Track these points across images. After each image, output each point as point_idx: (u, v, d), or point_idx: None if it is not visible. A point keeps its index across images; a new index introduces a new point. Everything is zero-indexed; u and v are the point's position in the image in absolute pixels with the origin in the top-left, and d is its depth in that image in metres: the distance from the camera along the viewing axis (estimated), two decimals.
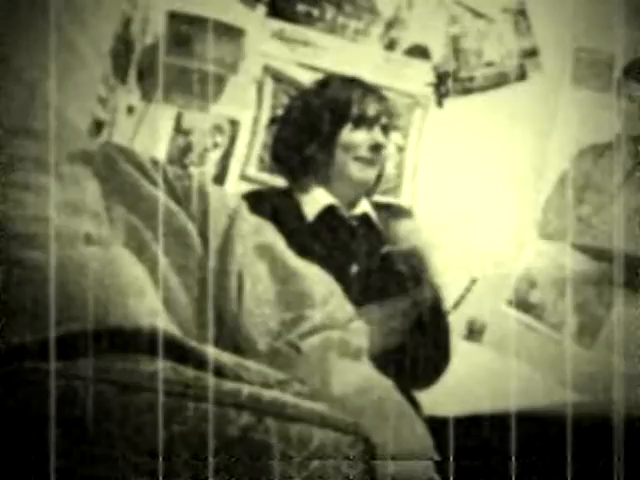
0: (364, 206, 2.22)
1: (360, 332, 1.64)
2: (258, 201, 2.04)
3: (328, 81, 2.25)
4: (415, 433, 1.42)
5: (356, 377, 1.49)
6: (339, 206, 2.17)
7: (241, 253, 1.62)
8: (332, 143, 2.15)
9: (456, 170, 2.57)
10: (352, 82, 2.21)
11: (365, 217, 2.20)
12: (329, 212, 2.16)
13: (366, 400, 1.43)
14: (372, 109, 2.16)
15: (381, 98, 2.21)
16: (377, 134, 2.16)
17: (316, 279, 1.66)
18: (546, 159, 2.59)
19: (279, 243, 1.71)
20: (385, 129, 2.18)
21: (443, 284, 2.09)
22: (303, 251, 1.76)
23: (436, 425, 1.58)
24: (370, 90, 2.20)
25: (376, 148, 2.15)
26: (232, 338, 1.55)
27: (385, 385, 1.49)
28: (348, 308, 1.69)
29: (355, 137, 2.15)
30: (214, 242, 1.62)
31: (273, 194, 2.20)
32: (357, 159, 2.15)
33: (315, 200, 2.17)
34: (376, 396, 1.45)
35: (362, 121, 2.15)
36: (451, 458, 1.54)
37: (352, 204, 2.20)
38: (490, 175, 2.58)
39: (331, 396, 1.42)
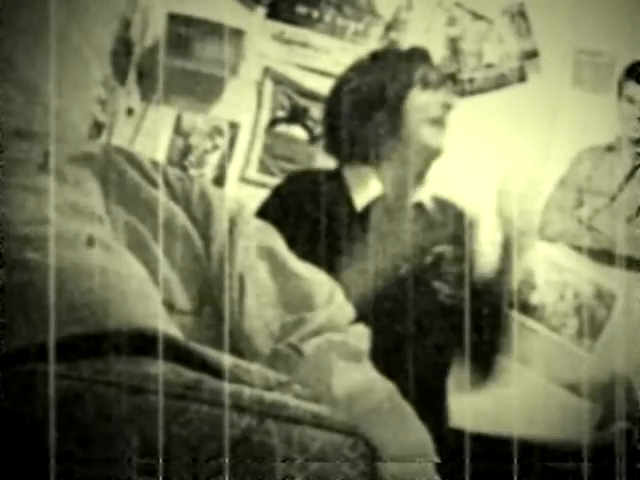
0: (420, 195, 2.14)
1: (361, 335, 1.64)
2: (303, 182, 2.03)
3: (384, 53, 2.22)
4: (416, 435, 1.42)
5: (358, 379, 1.49)
6: (391, 195, 2.10)
7: (243, 255, 1.62)
8: (400, 108, 2.09)
9: (455, 171, 2.57)
10: (412, 51, 2.17)
11: (419, 207, 2.13)
12: (380, 200, 2.08)
13: (367, 402, 1.43)
14: (435, 74, 2.13)
15: (438, 67, 2.18)
16: (445, 95, 2.11)
17: (317, 281, 1.66)
18: (546, 161, 2.59)
19: (280, 245, 1.70)
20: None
21: None
22: (352, 239, 1.75)
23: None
24: (428, 58, 2.17)
25: (447, 108, 2.10)
26: (233, 340, 1.55)
27: (387, 387, 1.48)
28: (349, 310, 1.68)
29: (425, 97, 2.10)
30: (216, 244, 1.62)
31: (321, 176, 2.12)
32: (429, 120, 2.09)
33: (367, 187, 2.09)
34: (378, 398, 1.44)
35: (429, 83, 2.11)
36: (467, 460, 1.53)
37: (419, 177, 2.12)
38: (489, 176, 2.58)
39: (332, 398, 1.42)
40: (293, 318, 1.60)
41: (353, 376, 1.49)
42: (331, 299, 1.65)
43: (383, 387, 1.48)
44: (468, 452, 1.58)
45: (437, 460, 1.41)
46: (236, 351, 1.52)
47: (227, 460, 1.28)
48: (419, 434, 1.43)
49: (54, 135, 1.60)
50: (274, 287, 1.63)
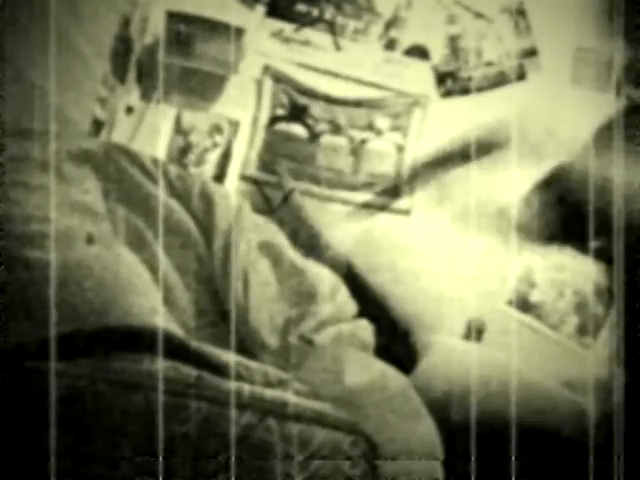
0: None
1: (365, 328, 1.64)
2: None
3: None
4: (423, 432, 1.42)
5: (370, 371, 1.49)
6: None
7: (244, 251, 1.62)
8: None
9: (454, 170, 2.57)
10: None
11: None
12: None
13: (379, 395, 1.43)
14: None
15: None
16: None
17: (320, 276, 1.67)
18: (545, 159, 2.59)
19: (282, 241, 1.71)
20: None
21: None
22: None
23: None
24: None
25: None
26: (238, 336, 1.56)
27: (399, 380, 1.49)
28: (352, 304, 1.69)
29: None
30: (218, 241, 1.63)
31: None
32: None
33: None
34: (390, 391, 1.45)
35: None
36: (473, 458, 1.53)
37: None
38: (488, 175, 2.58)
39: (343, 390, 1.42)
40: (297, 312, 1.60)
41: (365, 368, 1.50)
42: (334, 293, 1.66)
43: (396, 379, 1.49)
44: (473, 449, 1.59)
45: (441, 457, 1.41)
46: (241, 346, 1.52)
47: (233, 458, 1.28)
48: (428, 430, 1.44)
49: (54, 133, 1.60)
50: (277, 282, 1.64)
